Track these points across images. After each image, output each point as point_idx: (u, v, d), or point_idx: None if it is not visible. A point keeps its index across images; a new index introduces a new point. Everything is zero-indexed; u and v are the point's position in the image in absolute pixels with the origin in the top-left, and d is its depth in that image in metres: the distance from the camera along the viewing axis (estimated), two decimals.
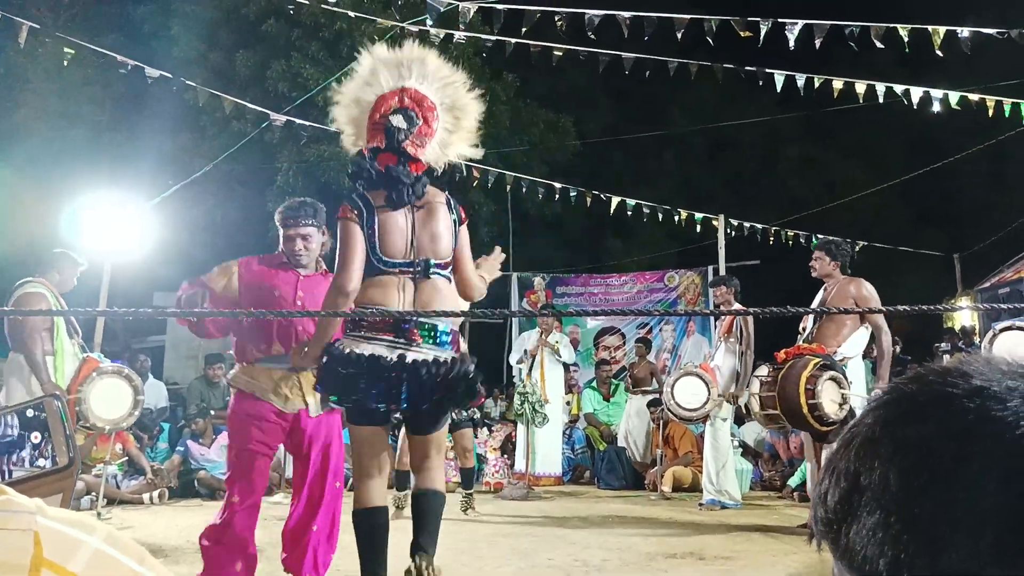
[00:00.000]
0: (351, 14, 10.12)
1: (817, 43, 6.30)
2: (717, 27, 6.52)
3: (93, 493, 6.50)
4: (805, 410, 4.91)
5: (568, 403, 9.53)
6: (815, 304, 5.55)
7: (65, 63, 8.25)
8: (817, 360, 5.06)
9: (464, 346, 3.29)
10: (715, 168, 19.15)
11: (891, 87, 7.19)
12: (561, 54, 7.31)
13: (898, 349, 10.56)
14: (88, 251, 6.22)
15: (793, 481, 7.44)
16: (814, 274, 5.66)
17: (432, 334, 2.98)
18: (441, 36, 8.01)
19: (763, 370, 5.42)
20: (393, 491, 3.41)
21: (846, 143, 18.71)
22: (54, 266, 5.43)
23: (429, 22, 7.25)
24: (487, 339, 12.55)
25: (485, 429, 8.48)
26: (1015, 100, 7.26)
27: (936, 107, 7.23)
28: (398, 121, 3.08)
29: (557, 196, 10.66)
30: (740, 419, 8.26)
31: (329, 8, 10.13)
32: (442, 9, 6.82)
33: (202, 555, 3.53)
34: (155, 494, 7.17)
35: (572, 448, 9.33)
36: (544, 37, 7.35)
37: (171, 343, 13.41)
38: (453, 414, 4.90)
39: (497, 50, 8.00)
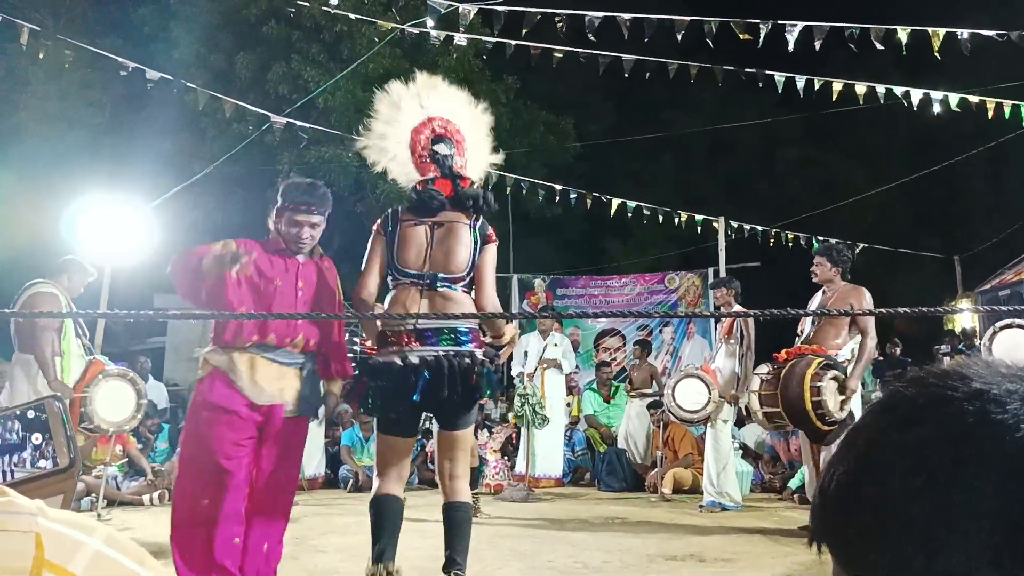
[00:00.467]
0: (352, 16, 10.14)
1: (817, 45, 6.31)
2: (717, 29, 6.53)
3: (93, 494, 6.49)
4: (809, 406, 4.91)
5: (568, 405, 9.52)
6: (812, 307, 5.55)
7: (66, 65, 8.27)
8: (820, 359, 5.07)
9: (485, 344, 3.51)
10: (715, 170, 19.16)
11: (891, 89, 7.20)
12: (561, 56, 7.32)
13: (898, 351, 10.58)
14: (88, 253, 6.24)
15: (793, 483, 7.43)
16: (815, 279, 5.64)
17: (453, 335, 3.24)
18: (442, 38, 8.03)
19: (764, 368, 5.42)
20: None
21: (846, 145, 18.71)
22: (64, 271, 5.49)
23: (430, 24, 7.26)
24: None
25: (485, 431, 8.47)
26: (1015, 102, 7.26)
27: (936, 109, 7.24)
28: (442, 149, 3.44)
29: (557, 198, 10.67)
30: (741, 421, 8.25)
31: (329, 10, 10.14)
32: (443, 11, 6.82)
33: None
34: (155, 495, 7.16)
35: (572, 450, 9.33)
36: (544, 39, 7.36)
37: (171, 345, 13.43)
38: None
39: (497, 52, 8.01)
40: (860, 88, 7.21)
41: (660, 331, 12.10)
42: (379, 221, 3.43)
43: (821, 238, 10.59)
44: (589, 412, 9.62)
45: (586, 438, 9.39)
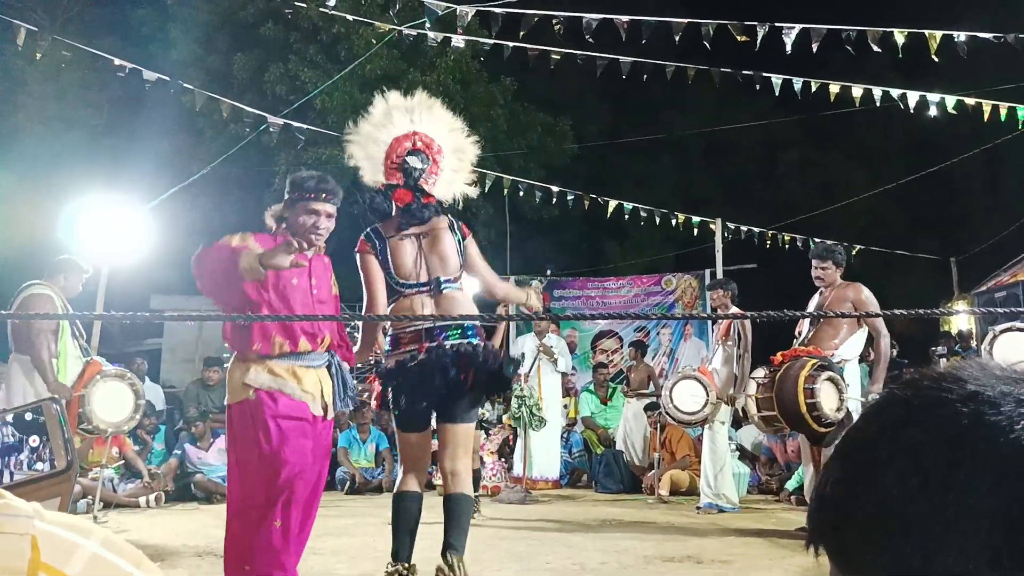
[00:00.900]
0: (349, 17, 10.13)
1: (814, 47, 6.32)
2: (714, 31, 6.53)
3: (90, 496, 6.48)
4: (803, 409, 4.90)
5: (565, 406, 9.52)
6: (811, 308, 5.54)
7: (63, 66, 8.26)
8: (815, 361, 5.06)
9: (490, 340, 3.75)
10: (712, 171, 19.18)
11: (888, 91, 7.21)
12: (559, 57, 7.32)
13: (895, 352, 10.58)
14: (85, 254, 6.23)
15: (790, 485, 7.43)
16: (822, 285, 5.57)
17: (460, 329, 3.45)
18: (439, 39, 8.03)
19: (760, 372, 5.42)
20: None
21: (843, 147, 18.74)
22: (60, 271, 5.48)
23: (427, 25, 7.26)
24: None
25: (482, 433, 8.47)
26: (1011, 104, 7.27)
27: (933, 111, 7.25)
28: (414, 162, 3.61)
29: (555, 199, 10.66)
30: (738, 423, 8.25)
31: (327, 12, 10.13)
32: (440, 12, 6.83)
33: None
34: (152, 498, 7.15)
35: (569, 452, 9.32)
36: (542, 40, 7.37)
37: (168, 346, 13.40)
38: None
39: (495, 53, 8.01)
40: (857, 90, 7.23)
41: (657, 333, 12.10)
42: (362, 240, 3.57)
43: (818, 240, 10.61)
44: (586, 414, 9.61)
45: (583, 440, 9.38)
